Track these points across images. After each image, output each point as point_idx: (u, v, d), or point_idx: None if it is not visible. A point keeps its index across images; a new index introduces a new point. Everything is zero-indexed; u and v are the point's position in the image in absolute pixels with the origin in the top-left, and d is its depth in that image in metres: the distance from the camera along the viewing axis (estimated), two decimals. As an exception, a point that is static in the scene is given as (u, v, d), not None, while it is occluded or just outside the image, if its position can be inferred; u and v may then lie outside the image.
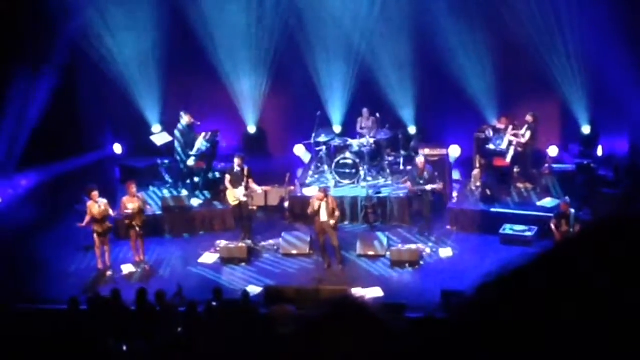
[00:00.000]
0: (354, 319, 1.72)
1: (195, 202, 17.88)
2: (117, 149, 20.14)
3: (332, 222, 15.26)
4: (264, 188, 16.94)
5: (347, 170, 17.78)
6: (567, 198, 15.42)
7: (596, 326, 1.41)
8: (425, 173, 16.31)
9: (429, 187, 16.21)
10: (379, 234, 16.38)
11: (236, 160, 16.45)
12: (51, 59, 18.34)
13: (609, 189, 16.63)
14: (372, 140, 18.04)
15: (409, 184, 16.54)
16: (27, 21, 18.15)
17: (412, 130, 19.05)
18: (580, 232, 1.59)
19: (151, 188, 18.52)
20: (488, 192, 17.03)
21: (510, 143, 17.44)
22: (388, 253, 15.87)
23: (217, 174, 18.08)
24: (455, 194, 17.64)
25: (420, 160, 16.46)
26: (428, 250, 16.06)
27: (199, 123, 18.09)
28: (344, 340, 1.68)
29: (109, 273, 15.57)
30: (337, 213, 15.52)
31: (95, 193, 15.33)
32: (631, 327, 1.40)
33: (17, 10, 18.10)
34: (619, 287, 1.43)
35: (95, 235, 15.41)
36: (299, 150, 19.43)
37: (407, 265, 15.55)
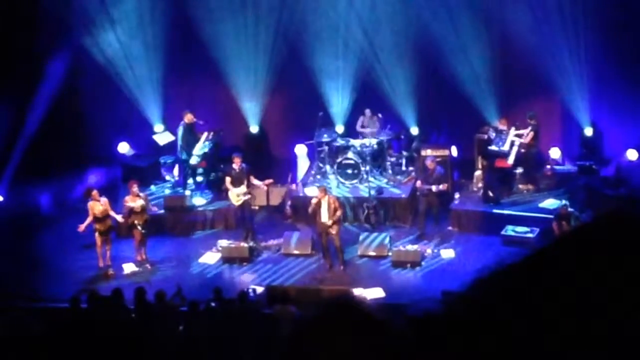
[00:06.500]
0: (351, 318, 1.72)
1: (197, 201, 17.89)
2: (123, 148, 19.89)
3: (330, 222, 15.27)
4: (266, 181, 16.91)
5: (349, 171, 17.75)
6: (565, 202, 15.50)
7: (590, 324, 1.41)
8: (436, 173, 16.31)
9: (434, 188, 16.20)
10: (381, 234, 16.37)
11: (235, 161, 16.47)
12: (54, 58, 18.35)
13: (611, 190, 16.60)
14: (374, 141, 18.03)
15: (419, 182, 16.53)
16: (29, 23, 18.15)
17: (414, 131, 19.02)
18: (574, 230, 1.59)
19: (153, 187, 18.51)
20: (490, 193, 17.01)
21: (512, 144, 17.40)
22: (389, 253, 15.87)
23: (219, 174, 18.05)
24: (457, 195, 17.61)
25: (430, 161, 16.47)
26: (429, 251, 16.06)
27: (202, 122, 18.09)
28: (341, 340, 1.68)
29: (110, 272, 15.58)
30: (338, 213, 15.50)
31: (95, 192, 15.39)
32: (625, 324, 1.40)
33: (19, 11, 18.09)
34: (614, 284, 1.43)
35: (96, 234, 15.42)
36: (300, 150, 19.36)
37: (408, 265, 15.55)
